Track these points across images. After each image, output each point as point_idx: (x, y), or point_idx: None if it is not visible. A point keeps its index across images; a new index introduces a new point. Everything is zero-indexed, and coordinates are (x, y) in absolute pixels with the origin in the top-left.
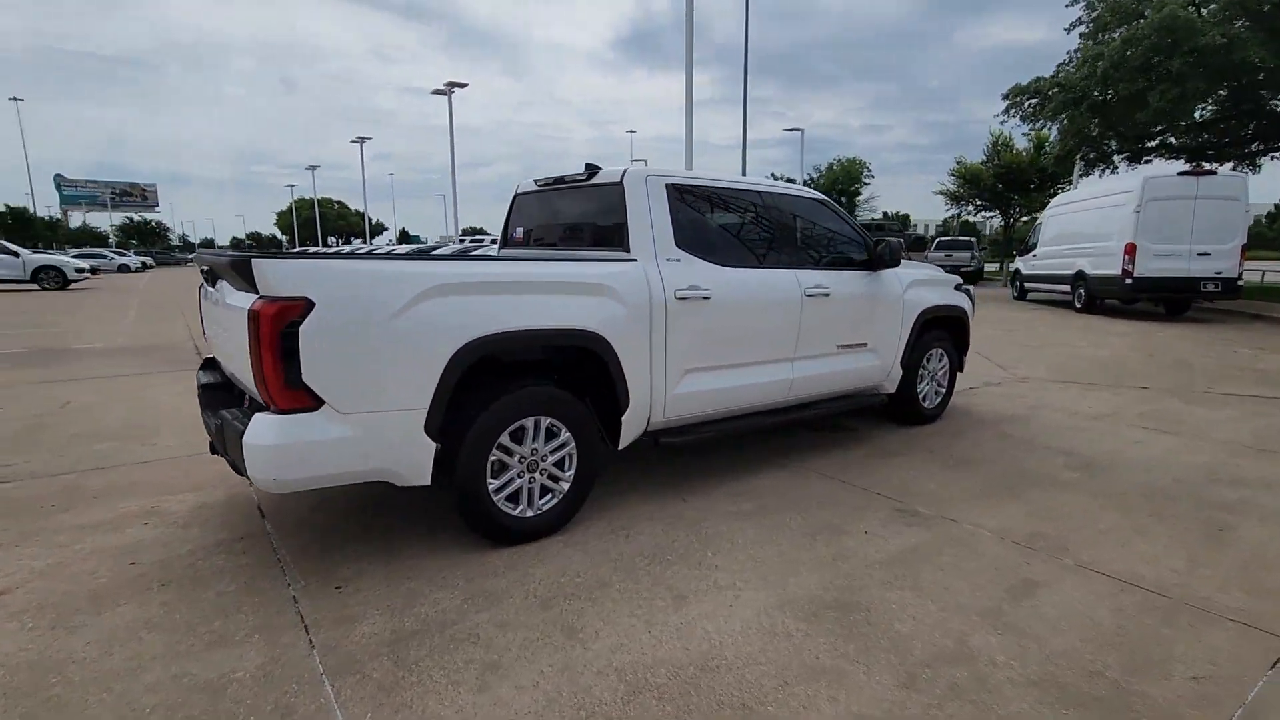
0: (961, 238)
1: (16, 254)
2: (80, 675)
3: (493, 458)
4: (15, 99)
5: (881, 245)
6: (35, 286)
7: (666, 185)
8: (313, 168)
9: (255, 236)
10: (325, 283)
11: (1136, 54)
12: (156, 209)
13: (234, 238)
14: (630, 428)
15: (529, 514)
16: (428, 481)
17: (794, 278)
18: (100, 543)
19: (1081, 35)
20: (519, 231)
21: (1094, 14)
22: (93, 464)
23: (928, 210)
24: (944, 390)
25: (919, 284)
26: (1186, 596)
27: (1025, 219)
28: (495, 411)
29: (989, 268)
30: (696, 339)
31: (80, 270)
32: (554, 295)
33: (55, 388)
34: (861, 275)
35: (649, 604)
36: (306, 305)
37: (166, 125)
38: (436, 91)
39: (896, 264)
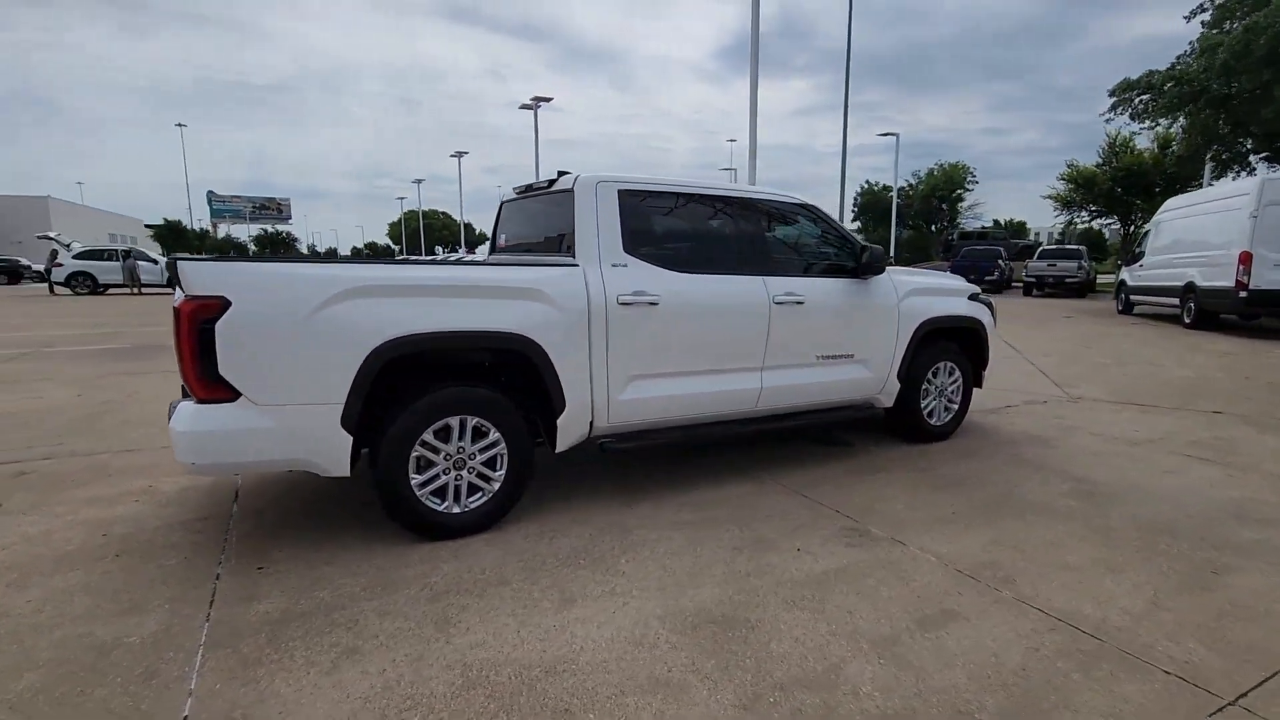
0: (1070, 246)
1: (156, 261)
2: (3, 628)
3: (416, 454)
4: (180, 125)
5: (865, 253)
6: (170, 290)
7: (620, 191)
8: (418, 181)
9: (371, 245)
10: (241, 283)
11: (1261, 44)
12: (289, 221)
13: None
14: (569, 431)
15: (455, 510)
16: (346, 473)
17: (761, 284)
18: (90, 515)
19: (1203, 24)
20: (503, 238)
21: (1217, 0)
22: (124, 446)
23: (1047, 217)
24: (955, 407)
25: (919, 293)
26: (1124, 643)
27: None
28: (418, 410)
29: (1104, 279)
30: (643, 345)
31: None
32: (480, 299)
33: (133, 379)
34: (846, 283)
35: (535, 605)
36: (223, 304)
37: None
38: (524, 106)
39: (880, 271)
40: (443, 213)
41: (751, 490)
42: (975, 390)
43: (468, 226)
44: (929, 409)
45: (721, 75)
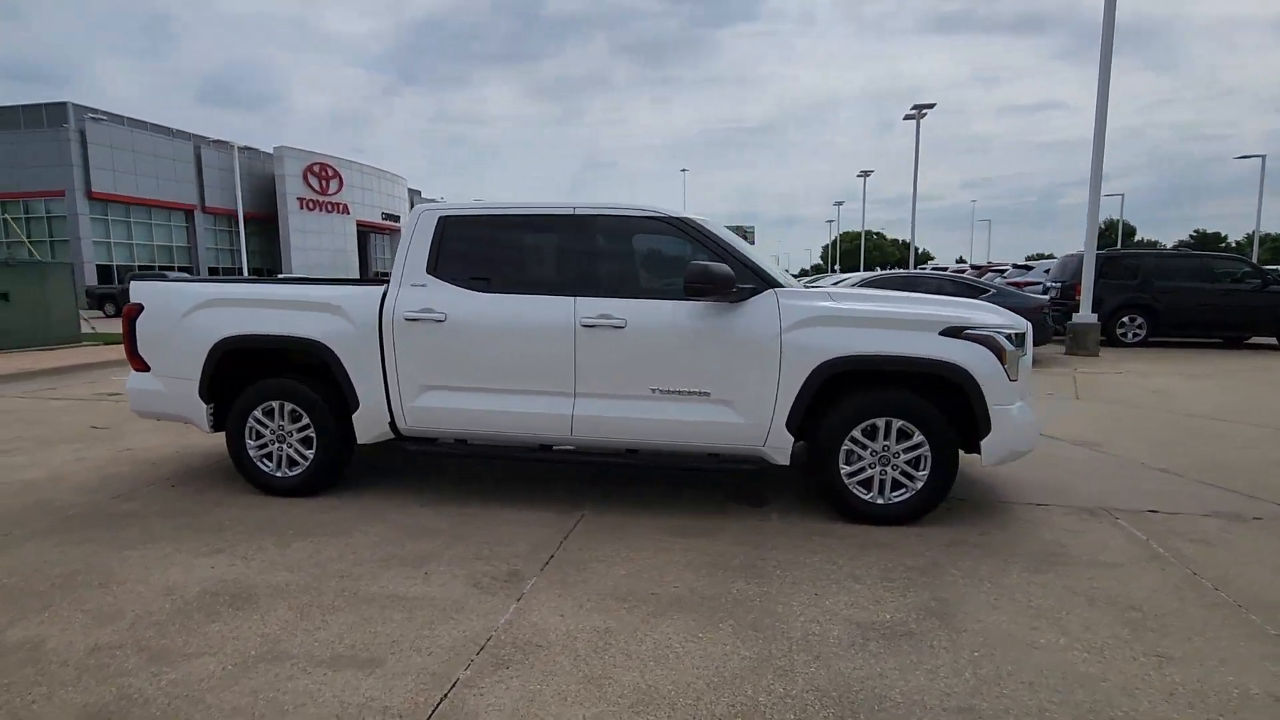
0: None
1: None
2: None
3: (250, 425)
4: (683, 170)
5: (698, 270)
6: None
7: (440, 218)
8: (838, 204)
9: (817, 267)
10: (150, 294)
11: None
12: (753, 246)
13: (801, 269)
14: (367, 427)
15: (277, 474)
16: (209, 430)
17: (569, 305)
18: (95, 457)
19: None
20: None
21: None
22: None
23: None
24: (918, 481)
25: (826, 322)
26: None
27: None
28: (248, 393)
29: None
30: (429, 358)
31: None
32: (289, 310)
33: None
34: (700, 307)
35: (180, 559)
36: (140, 307)
37: (782, 177)
38: (907, 117)
39: (705, 294)
40: (876, 233)
41: (533, 517)
42: (955, 458)
43: (909, 245)
44: (861, 477)
45: None
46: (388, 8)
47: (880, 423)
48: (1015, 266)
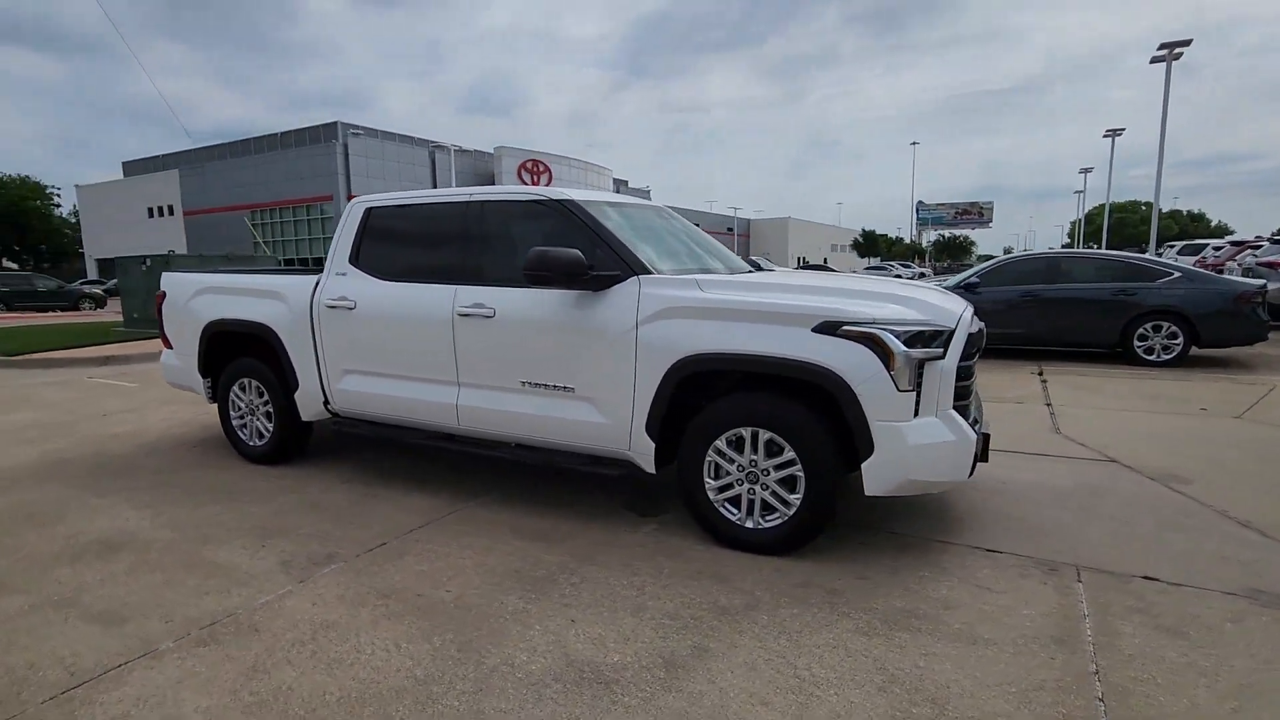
0: None
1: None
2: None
3: (231, 398)
4: (913, 143)
5: (534, 256)
6: None
7: (367, 209)
8: (1085, 170)
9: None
10: (169, 284)
11: None
12: (989, 225)
13: (1049, 246)
14: (306, 406)
15: (250, 443)
16: (210, 400)
17: (450, 294)
18: (184, 419)
19: None
20: None
21: None
22: None
23: None
24: (790, 506)
25: (685, 314)
26: None
27: None
28: (229, 370)
29: None
30: (344, 343)
31: None
32: (251, 298)
33: None
34: (566, 296)
35: (120, 510)
36: (164, 294)
37: (1036, 143)
38: (1154, 60)
39: (547, 283)
40: (1144, 204)
41: (362, 497)
42: (834, 480)
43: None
44: (730, 494)
45: None
46: (620, 8)
47: (746, 433)
48: (1272, 240)
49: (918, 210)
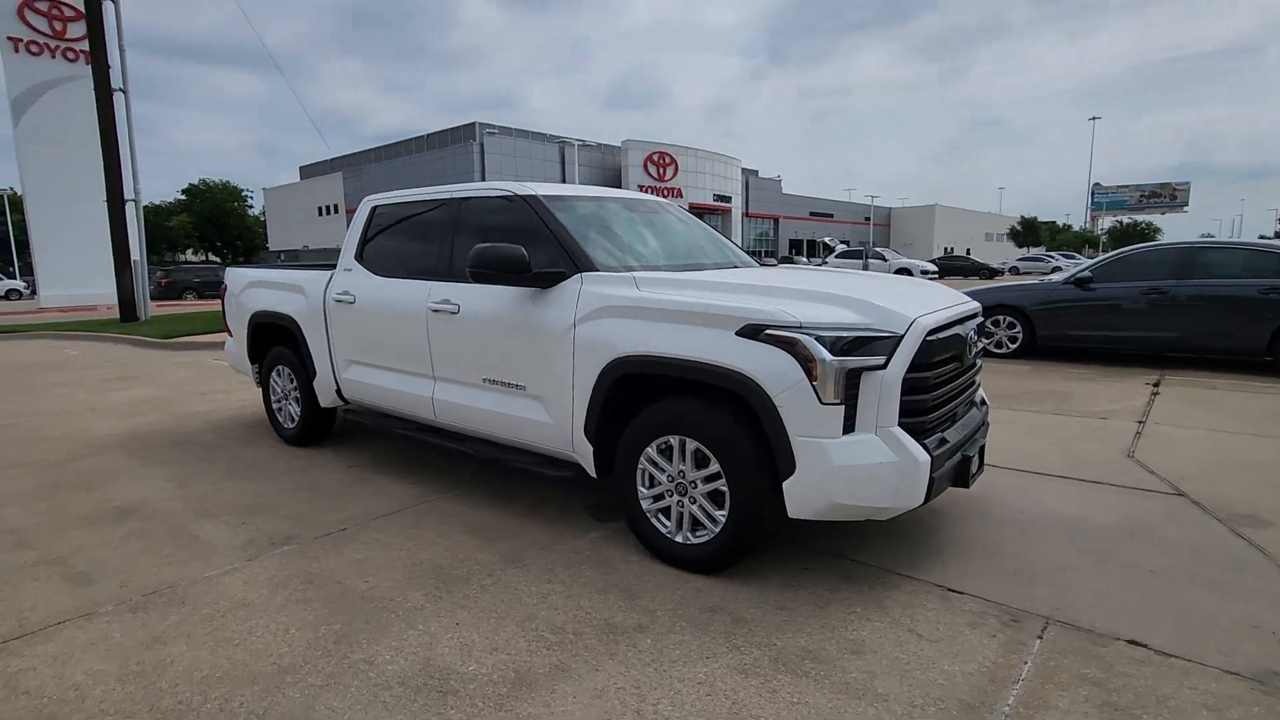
0: None
1: (885, 259)
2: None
3: (271, 383)
4: (1093, 118)
5: (476, 253)
6: None
7: (372, 207)
8: None
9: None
10: (228, 278)
11: None
12: (1185, 209)
13: (1260, 235)
14: (322, 393)
15: (285, 426)
16: (257, 385)
17: (426, 289)
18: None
19: None
20: None
21: None
22: None
23: None
24: (717, 523)
25: (619, 313)
26: None
27: None
28: (269, 357)
29: None
30: (348, 335)
31: (925, 272)
32: (282, 291)
33: None
34: (521, 294)
35: (153, 480)
36: (226, 287)
37: (1254, 116)
38: None
39: (491, 279)
40: None
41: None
42: (756, 495)
43: None
44: (661, 505)
45: None
46: None
47: (675, 441)
48: None
49: (1093, 193)
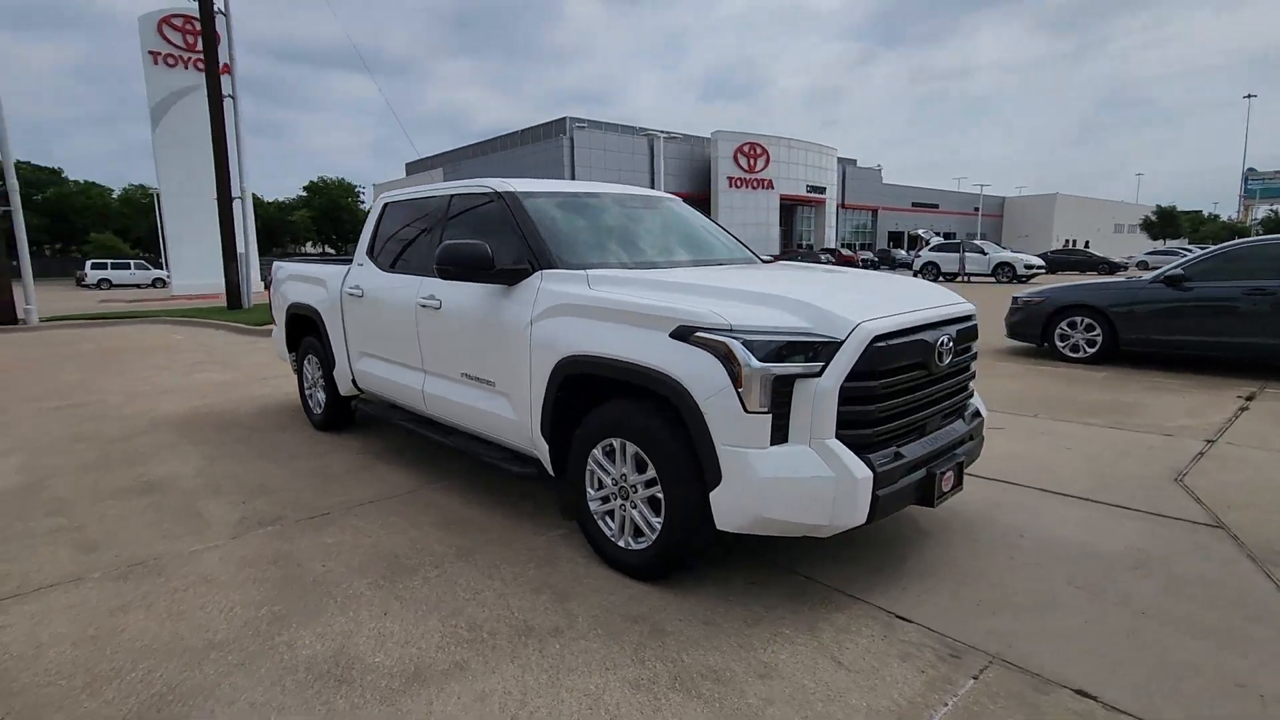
0: None
1: (984, 252)
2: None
3: (304, 371)
4: (1248, 96)
5: (443, 250)
6: (992, 279)
7: (385, 204)
8: None
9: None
10: (275, 270)
11: None
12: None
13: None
14: (340, 381)
15: (314, 412)
16: (291, 370)
17: (417, 285)
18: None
19: None
20: None
21: None
22: None
23: None
24: (654, 530)
25: (569, 312)
26: None
27: None
28: (302, 346)
29: None
30: (358, 328)
31: (1030, 266)
32: (307, 284)
33: None
34: (490, 290)
35: (191, 457)
36: (272, 278)
37: None
38: None
39: (455, 276)
40: None
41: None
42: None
43: None
44: (607, 508)
45: None
46: None
47: (617, 444)
48: None
49: (1246, 180)
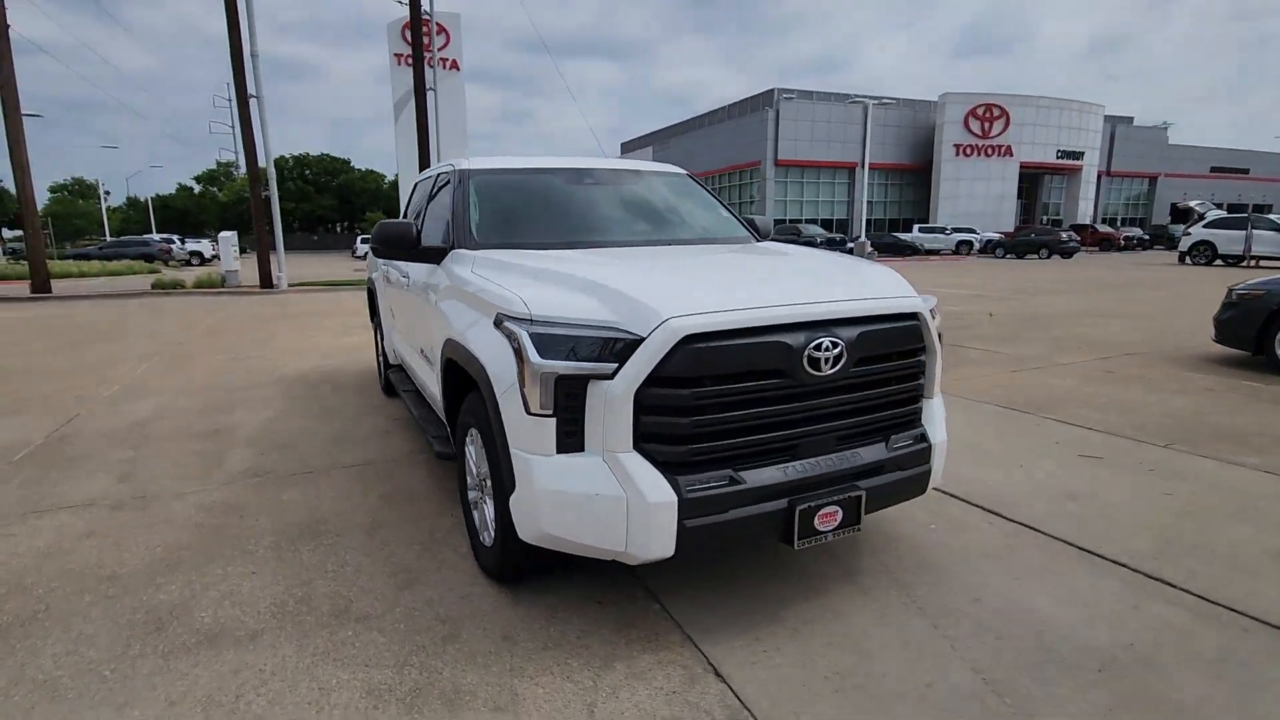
0: None
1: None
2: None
3: (376, 337)
4: None
5: (376, 228)
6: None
7: (415, 183)
8: None
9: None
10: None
11: None
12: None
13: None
14: (387, 350)
15: (381, 379)
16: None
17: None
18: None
19: None
20: None
21: None
22: None
23: None
24: (492, 528)
25: (452, 294)
26: None
27: None
28: (376, 319)
29: None
30: (385, 300)
31: None
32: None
33: None
34: (426, 268)
35: (250, 418)
36: (367, 255)
37: None
38: None
39: (386, 255)
40: None
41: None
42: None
43: None
44: (473, 498)
45: None
46: None
47: (475, 434)
48: None
49: None
